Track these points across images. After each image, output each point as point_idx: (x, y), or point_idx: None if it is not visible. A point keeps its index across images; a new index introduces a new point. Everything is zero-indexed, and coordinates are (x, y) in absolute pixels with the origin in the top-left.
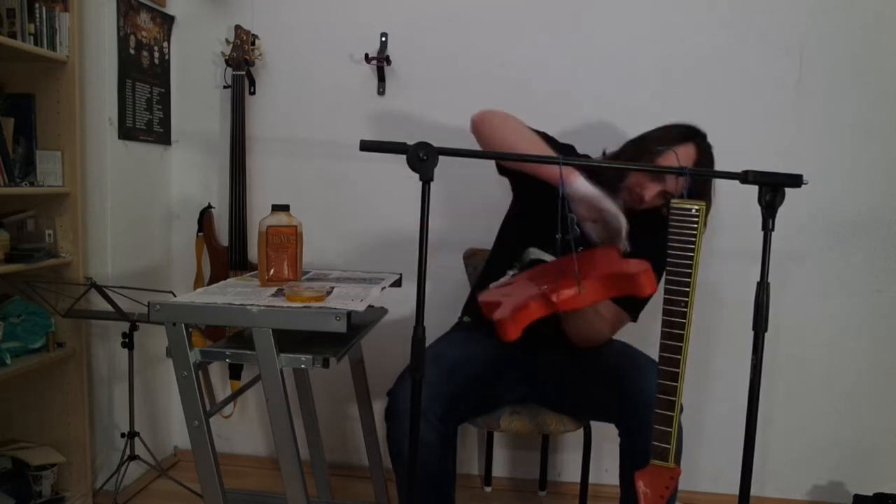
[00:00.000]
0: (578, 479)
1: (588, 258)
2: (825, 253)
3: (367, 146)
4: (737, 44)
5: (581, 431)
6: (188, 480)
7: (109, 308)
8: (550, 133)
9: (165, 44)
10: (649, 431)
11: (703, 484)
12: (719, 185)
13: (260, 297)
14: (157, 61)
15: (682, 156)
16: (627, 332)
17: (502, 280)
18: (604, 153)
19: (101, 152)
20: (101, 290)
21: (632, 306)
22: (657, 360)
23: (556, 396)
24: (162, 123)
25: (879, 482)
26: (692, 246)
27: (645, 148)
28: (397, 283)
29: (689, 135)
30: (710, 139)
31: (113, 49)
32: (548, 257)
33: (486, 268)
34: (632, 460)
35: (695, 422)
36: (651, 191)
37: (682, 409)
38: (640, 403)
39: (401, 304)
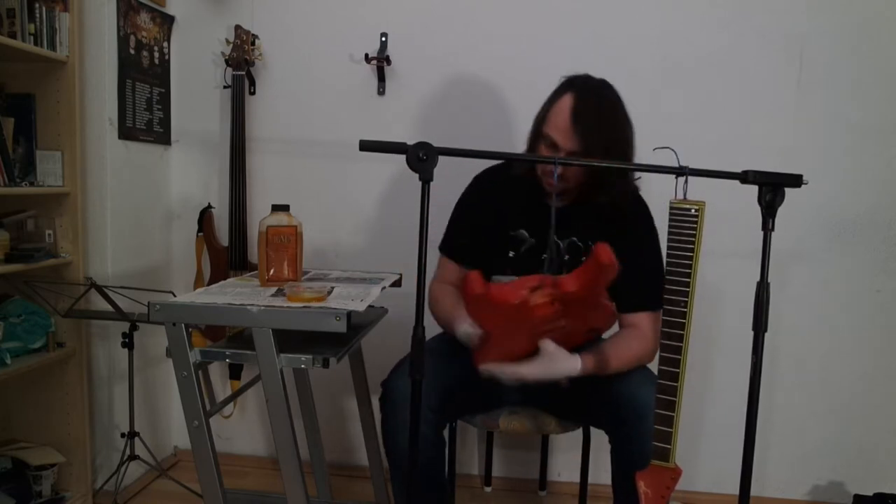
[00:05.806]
0: (578, 479)
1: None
2: (825, 253)
3: (366, 146)
4: (737, 44)
5: (581, 431)
6: (188, 480)
7: (109, 308)
8: None
9: (165, 44)
10: (641, 440)
11: (703, 484)
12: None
13: (260, 297)
14: (157, 61)
15: (558, 109)
16: None
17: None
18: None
19: (101, 152)
20: (101, 290)
21: (654, 300)
22: (657, 361)
23: (551, 401)
24: (162, 123)
25: (879, 482)
26: (692, 246)
27: (538, 130)
28: (397, 283)
29: (563, 87)
30: (708, 139)
31: (113, 49)
32: (507, 278)
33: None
34: (620, 467)
35: (695, 422)
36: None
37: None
38: (630, 412)
39: (401, 304)
